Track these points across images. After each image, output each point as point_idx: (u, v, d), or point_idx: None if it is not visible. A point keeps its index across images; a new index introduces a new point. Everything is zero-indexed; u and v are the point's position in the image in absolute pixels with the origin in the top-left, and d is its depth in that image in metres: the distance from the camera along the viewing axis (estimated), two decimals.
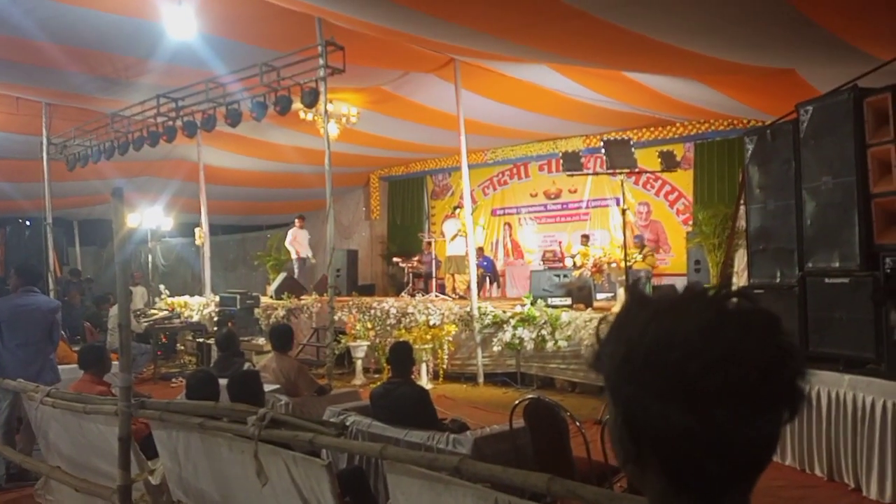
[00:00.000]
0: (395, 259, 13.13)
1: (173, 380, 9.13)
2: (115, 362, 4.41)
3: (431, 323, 8.83)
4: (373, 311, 9.40)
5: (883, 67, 5.06)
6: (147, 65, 7.82)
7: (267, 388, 4.51)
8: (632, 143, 8.02)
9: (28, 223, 14.49)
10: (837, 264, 4.72)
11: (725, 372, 0.63)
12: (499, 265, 13.65)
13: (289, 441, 2.70)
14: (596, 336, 0.75)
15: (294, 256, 13.15)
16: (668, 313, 0.68)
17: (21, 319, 5.10)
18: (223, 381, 4.20)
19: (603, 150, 7.72)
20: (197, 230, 12.73)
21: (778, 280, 5.25)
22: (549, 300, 8.62)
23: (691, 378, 0.63)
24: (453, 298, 10.56)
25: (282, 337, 5.68)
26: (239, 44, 7.44)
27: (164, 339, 10.94)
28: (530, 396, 3.64)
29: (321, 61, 7.22)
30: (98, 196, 13.00)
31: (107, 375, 4.80)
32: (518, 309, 8.39)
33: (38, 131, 10.56)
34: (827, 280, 4.79)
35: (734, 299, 0.68)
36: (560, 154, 8.73)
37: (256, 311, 10.62)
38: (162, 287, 13.05)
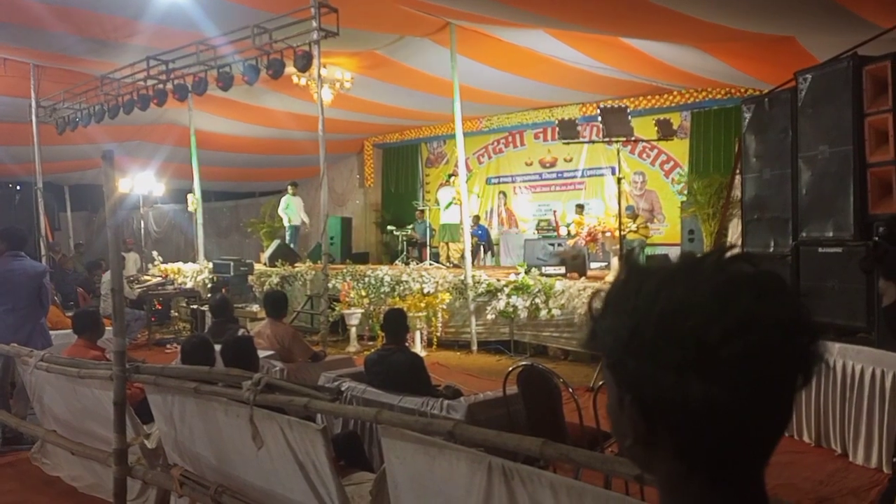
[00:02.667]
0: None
1: (168, 346, 9.16)
2: (109, 328, 4.40)
3: (425, 291, 8.85)
4: (367, 279, 9.41)
5: (883, 35, 5.01)
6: (137, 26, 7.66)
7: (261, 354, 4.52)
8: (629, 111, 7.96)
9: (18, 188, 14.33)
10: (831, 234, 4.73)
11: (747, 336, 0.60)
12: (493, 234, 13.65)
13: (284, 406, 2.71)
14: (589, 313, 0.70)
15: (286, 224, 13.09)
16: (677, 280, 0.64)
17: (7, 284, 5.05)
18: (218, 347, 4.21)
19: (599, 118, 7.65)
20: (189, 196, 12.62)
21: (772, 249, 5.27)
22: (544, 269, 8.65)
23: (711, 345, 0.60)
24: (447, 267, 10.57)
25: (276, 303, 5.68)
26: (231, 4, 7.28)
27: (158, 306, 10.95)
28: (524, 363, 3.66)
29: (314, 23, 7.09)
30: (89, 160, 12.84)
31: (101, 340, 4.80)
32: (512, 277, 8.41)
33: (26, 93, 10.38)
34: (820, 249, 4.80)
35: (738, 263, 0.65)
36: (556, 122, 8.66)
37: (250, 278, 10.61)
38: (155, 253, 13.00)
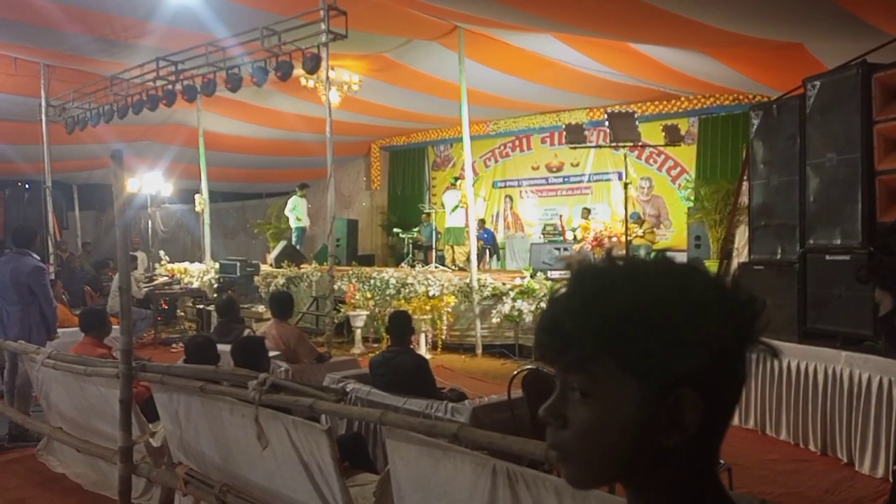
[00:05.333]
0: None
1: (173, 345, 9.18)
2: (116, 326, 4.43)
3: (431, 294, 8.85)
4: (372, 281, 9.42)
5: (893, 43, 4.99)
6: (147, 27, 7.71)
7: None
8: (636, 116, 7.96)
9: (27, 186, 14.42)
10: (839, 241, 4.71)
11: (741, 315, 0.66)
12: (499, 237, 13.64)
13: (289, 406, 2.72)
14: (551, 317, 0.69)
15: (293, 225, 13.12)
16: (667, 272, 0.68)
17: (10, 281, 5.24)
18: (222, 347, 4.23)
19: (607, 123, 7.66)
20: (197, 197, 12.67)
21: (779, 256, 5.25)
22: (549, 273, 8.63)
23: (715, 322, 0.64)
24: (453, 270, 10.57)
25: (282, 304, 5.69)
26: (240, 6, 7.32)
27: (164, 305, 10.99)
28: (528, 367, 3.66)
29: (323, 26, 7.11)
30: (97, 160, 12.91)
31: (107, 339, 4.83)
32: (517, 281, 8.40)
33: (36, 93, 10.45)
34: (828, 257, 4.78)
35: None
36: (563, 126, 8.67)
37: (256, 278, 10.64)
38: (162, 253, 13.05)
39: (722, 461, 3.26)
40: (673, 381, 0.64)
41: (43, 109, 10.68)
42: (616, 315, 0.65)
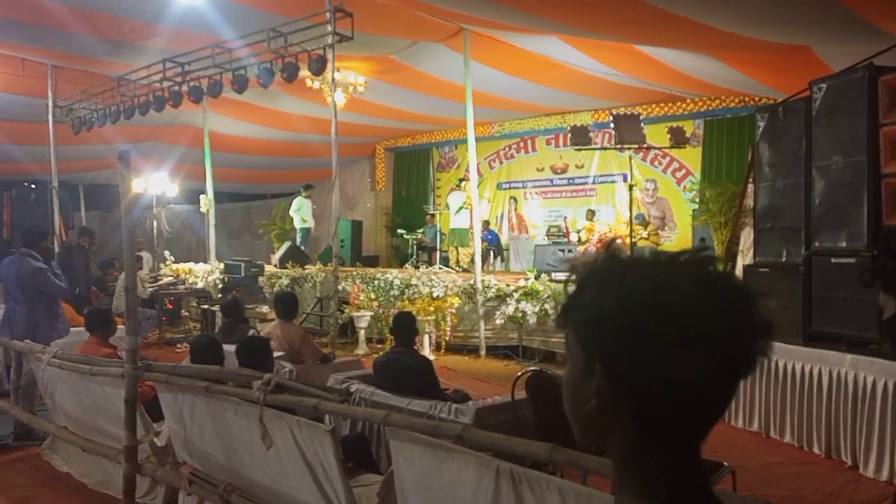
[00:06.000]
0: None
1: (178, 345, 9.21)
2: (121, 326, 4.45)
3: (435, 295, 8.85)
4: (376, 282, 9.43)
5: None
6: (154, 28, 7.74)
7: None
8: (641, 118, 7.95)
9: (34, 186, 14.47)
10: (844, 244, 4.70)
11: (718, 320, 0.67)
12: (503, 239, 13.64)
13: (293, 406, 2.73)
14: (565, 291, 0.77)
15: (297, 225, 13.15)
16: (661, 267, 0.71)
17: (5, 281, 5.40)
18: (227, 348, 4.24)
19: (612, 125, 7.66)
20: (202, 197, 12.71)
21: (784, 259, 5.24)
22: (553, 275, 8.63)
23: (687, 324, 0.67)
24: (457, 271, 10.57)
25: (286, 304, 5.71)
26: (246, 8, 7.34)
27: (169, 305, 11.02)
28: (532, 368, 3.66)
29: (329, 28, 7.13)
30: (103, 160, 12.96)
31: (112, 338, 4.85)
32: (522, 283, 8.40)
33: (43, 94, 10.50)
34: (833, 260, 4.77)
35: (711, 264, 0.72)
36: (568, 128, 8.67)
37: (261, 279, 10.66)
38: (167, 253, 13.09)
39: (725, 464, 3.26)
40: (598, 357, 0.71)
41: (50, 110, 10.73)
42: (575, 291, 0.75)
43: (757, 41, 6.52)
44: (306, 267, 11.06)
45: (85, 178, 16.59)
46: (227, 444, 3.03)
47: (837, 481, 4.20)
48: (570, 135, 8.14)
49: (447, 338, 8.72)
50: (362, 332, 8.93)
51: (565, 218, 12.89)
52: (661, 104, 11.40)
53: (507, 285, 8.48)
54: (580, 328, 0.73)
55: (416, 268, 10.97)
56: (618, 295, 0.70)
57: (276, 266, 11.56)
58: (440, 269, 10.82)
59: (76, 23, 7.48)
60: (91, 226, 17.00)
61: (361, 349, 8.75)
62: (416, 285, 9.11)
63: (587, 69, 9.13)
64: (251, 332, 6.06)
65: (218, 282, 11.05)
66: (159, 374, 3.23)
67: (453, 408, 3.63)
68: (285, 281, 10.56)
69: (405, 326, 4.39)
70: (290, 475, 2.71)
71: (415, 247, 12.71)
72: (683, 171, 11.85)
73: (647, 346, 0.67)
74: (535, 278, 8.44)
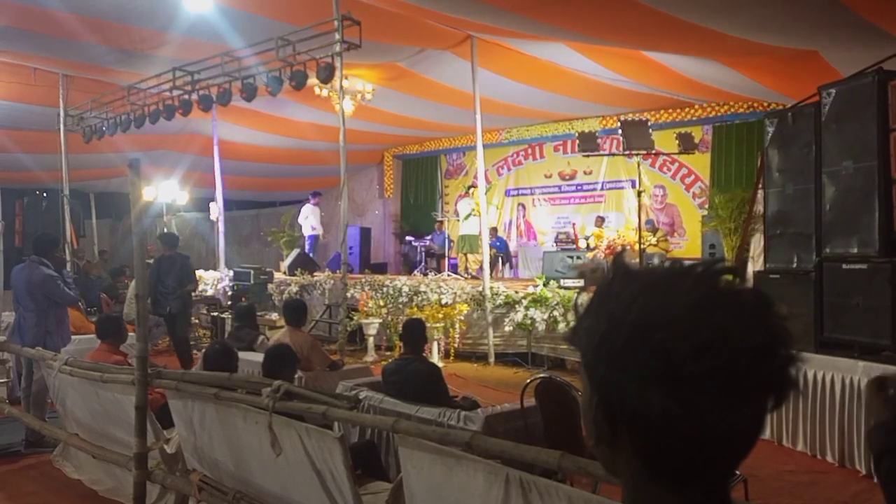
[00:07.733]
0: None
1: None
2: (132, 333, 4.47)
3: (443, 302, 8.85)
4: (385, 289, 9.43)
5: None
6: (164, 37, 7.81)
7: None
8: (649, 124, 7.94)
9: (45, 195, 14.60)
10: (856, 250, 4.66)
11: (714, 356, 0.59)
12: (512, 246, 13.63)
13: (302, 413, 2.73)
14: (574, 308, 0.71)
15: (307, 233, 13.19)
16: (656, 289, 0.64)
17: (16, 289, 5.45)
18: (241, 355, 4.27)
19: (620, 131, 7.65)
20: (212, 205, 12.79)
21: (794, 265, 5.20)
22: (562, 281, 8.61)
23: (677, 362, 0.60)
24: (465, 278, 10.57)
25: (296, 311, 5.72)
26: (255, 16, 7.40)
27: None
28: (541, 376, 3.64)
29: (337, 36, 7.16)
30: (114, 169, 13.07)
31: (123, 345, 4.87)
32: (530, 290, 8.38)
33: (55, 103, 10.60)
34: (844, 266, 4.73)
35: (726, 276, 0.64)
36: (576, 135, 8.66)
37: (270, 286, 10.69)
38: None
39: (737, 472, 3.23)
40: (596, 387, 0.67)
41: (61, 119, 10.84)
42: (584, 312, 0.69)
43: (765, 46, 6.50)
44: (315, 274, 11.08)
45: (96, 186, 16.72)
46: (237, 452, 3.04)
47: (851, 490, 4.15)
48: (578, 141, 8.12)
49: (456, 345, 8.70)
50: (371, 340, 8.93)
51: (574, 224, 12.86)
52: (670, 110, 11.38)
53: (516, 292, 8.47)
54: (582, 353, 0.68)
55: (425, 275, 10.97)
56: (606, 324, 0.65)
57: (285, 273, 11.59)
58: (449, 275, 10.82)
59: (87, 32, 7.56)
60: (102, 234, 17.14)
61: (370, 356, 8.75)
62: (424, 292, 9.12)
63: (595, 75, 9.13)
64: (260, 338, 6.08)
65: (227, 289, 11.09)
66: (169, 381, 3.24)
67: (462, 415, 3.62)
68: (294, 288, 10.59)
69: (415, 333, 4.39)
70: (299, 483, 2.71)
71: (423, 254, 12.71)
72: (692, 177, 11.82)
73: (634, 381, 0.62)
74: (544, 285, 8.42)
